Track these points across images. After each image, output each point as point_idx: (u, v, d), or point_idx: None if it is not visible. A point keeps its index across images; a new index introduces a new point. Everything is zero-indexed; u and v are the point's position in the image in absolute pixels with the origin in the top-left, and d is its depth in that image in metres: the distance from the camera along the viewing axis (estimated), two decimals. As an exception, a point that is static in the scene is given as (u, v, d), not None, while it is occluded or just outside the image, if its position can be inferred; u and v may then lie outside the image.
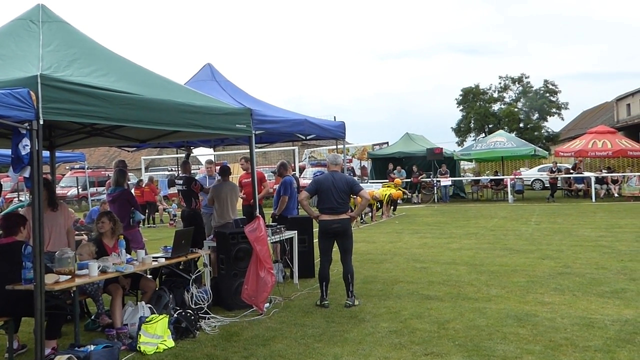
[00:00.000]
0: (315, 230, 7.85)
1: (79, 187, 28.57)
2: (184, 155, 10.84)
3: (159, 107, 5.20)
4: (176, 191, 11.30)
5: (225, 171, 9.25)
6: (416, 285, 8.16)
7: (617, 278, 8.17)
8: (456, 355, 5.13)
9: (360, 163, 31.48)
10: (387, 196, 18.89)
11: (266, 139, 9.15)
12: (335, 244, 7.25)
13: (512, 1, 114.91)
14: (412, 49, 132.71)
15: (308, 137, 8.77)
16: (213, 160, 12.06)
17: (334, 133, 8.82)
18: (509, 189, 25.22)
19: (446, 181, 26.07)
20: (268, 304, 7.09)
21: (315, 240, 11.80)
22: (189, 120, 5.56)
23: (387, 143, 31.81)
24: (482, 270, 9.05)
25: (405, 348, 5.38)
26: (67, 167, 30.19)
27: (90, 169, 29.59)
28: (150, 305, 6.24)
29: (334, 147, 31.93)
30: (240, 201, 9.92)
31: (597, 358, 4.91)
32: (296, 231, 8.65)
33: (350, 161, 29.20)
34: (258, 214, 6.90)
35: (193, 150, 11.19)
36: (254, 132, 6.60)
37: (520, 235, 13.27)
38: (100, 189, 27.61)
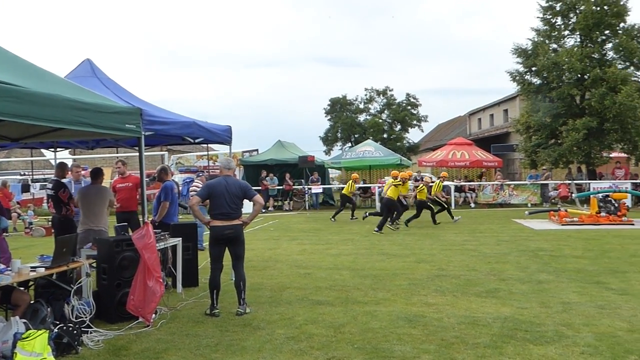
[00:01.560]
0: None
1: None
2: (37, 158, 10.06)
3: (47, 102, 4.77)
4: (30, 197, 10.47)
5: (96, 174, 8.54)
6: (304, 291, 8.20)
7: (488, 279, 8.77)
8: (357, 359, 5.21)
9: (231, 170, 31.11)
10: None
11: (153, 142, 8.74)
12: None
13: (376, 18, 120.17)
14: (278, 59, 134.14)
15: (196, 141, 8.52)
16: (79, 164, 11.30)
17: (222, 137, 8.64)
18: (376, 196, 26.20)
19: (317, 189, 26.54)
20: (154, 315, 6.76)
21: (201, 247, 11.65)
22: (78, 117, 5.15)
23: (257, 150, 31.82)
24: (365, 275, 9.30)
25: (306, 354, 5.37)
26: None
27: None
28: (25, 320, 5.69)
29: (202, 153, 31.57)
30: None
31: (487, 354, 5.22)
32: (180, 238, 8.35)
33: (221, 167, 28.81)
34: (147, 220, 6.57)
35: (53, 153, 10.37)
36: (143, 133, 6.28)
37: (394, 241, 13.82)
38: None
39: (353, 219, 20.04)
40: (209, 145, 16.01)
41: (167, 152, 26.34)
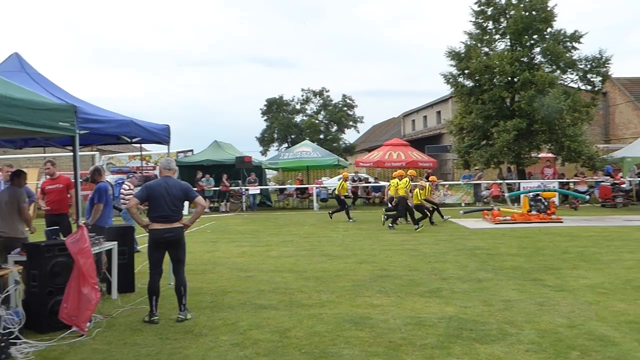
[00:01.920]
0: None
1: None
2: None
3: (-28, 97, 4.42)
4: None
5: (15, 175, 7.86)
6: (247, 294, 8.01)
7: (430, 278, 8.84)
8: (306, 363, 5.10)
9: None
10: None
11: (86, 141, 8.32)
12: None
13: (311, 19, 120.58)
14: (212, 58, 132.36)
15: (134, 140, 8.18)
16: (11, 164, 10.71)
17: (160, 137, 8.34)
18: (314, 197, 26.22)
19: (255, 190, 26.29)
20: (89, 323, 6.42)
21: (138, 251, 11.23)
22: (8, 114, 4.80)
23: (192, 151, 31.21)
24: (307, 277, 9.20)
25: (253, 360, 5.22)
26: None
27: None
28: (-55, 333, 5.28)
29: (134, 153, 30.64)
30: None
31: (435, 355, 5.22)
32: (116, 242, 8.00)
33: (154, 168, 28.16)
34: (82, 224, 6.23)
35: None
36: (78, 131, 5.94)
37: (333, 242, 13.80)
38: None
39: (351, 220, 19.16)
40: (142, 145, 15.49)
41: (97, 152, 25.41)
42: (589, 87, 26.09)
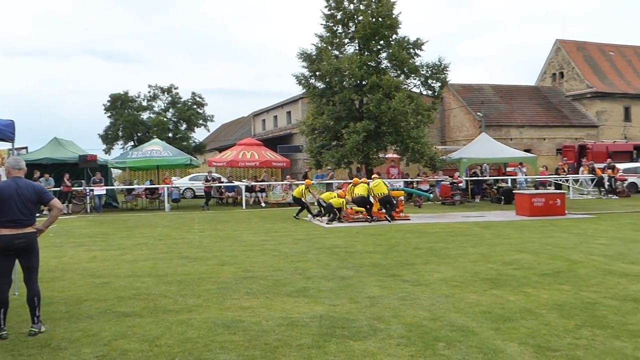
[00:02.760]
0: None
1: None
2: None
3: None
4: None
5: None
6: (106, 302, 7.52)
7: (295, 278, 8.92)
8: (181, 372, 4.90)
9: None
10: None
11: None
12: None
13: (155, 12, 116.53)
14: (45, 48, 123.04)
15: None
16: None
17: (4, 133, 7.55)
18: (165, 197, 25.38)
19: (100, 190, 24.84)
20: None
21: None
22: None
23: (27, 148, 28.76)
24: (169, 281, 8.86)
25: (123, 373, 4.91)
26: None
27: None
28: None
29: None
30: None
31: (312, 354, 5.26)
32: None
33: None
34: None
35: None
36: None
37: (191, 243, 13.45)
38: None
39: (297, 217, 19.39)
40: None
41: None
42: (430, 92, 27.98)
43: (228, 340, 5.74)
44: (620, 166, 28.65)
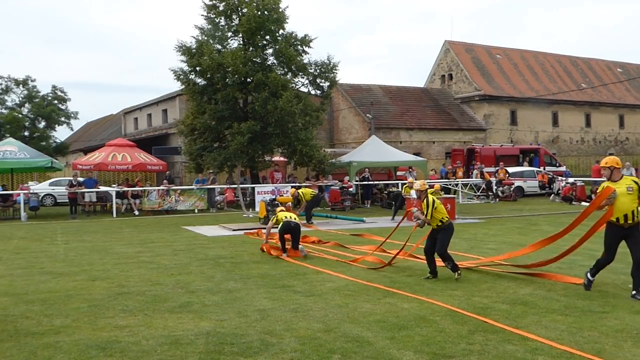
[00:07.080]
0: None
1: None
2: None
3: None
4: None
5: None
6: (-46, 327, 7.01)
7: (176, 292, 8.77)
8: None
9: None
10: None
11: None
12: None
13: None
14: None
15: None
16: None
17: None
18: (22, 205, 23.95)
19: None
20: None
21: None
22: None
23: None
24: (30, 300, 8.40)
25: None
26: None
27: None
28: None
29: None
30: None
31: (200, 374, 5.23)
32: None
33: None
34: None
35: None
36: None
37: (54, 257, 12.81)
38: None
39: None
40: None
41: None
42: (318, 92, 28.50)
43: (103, 363, 5.56)
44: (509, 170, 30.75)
